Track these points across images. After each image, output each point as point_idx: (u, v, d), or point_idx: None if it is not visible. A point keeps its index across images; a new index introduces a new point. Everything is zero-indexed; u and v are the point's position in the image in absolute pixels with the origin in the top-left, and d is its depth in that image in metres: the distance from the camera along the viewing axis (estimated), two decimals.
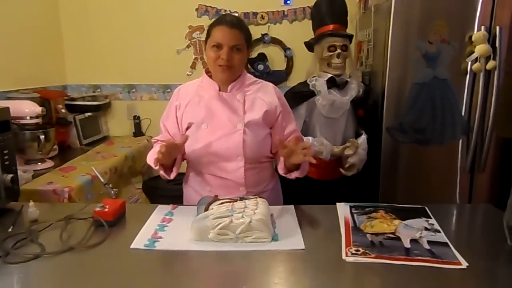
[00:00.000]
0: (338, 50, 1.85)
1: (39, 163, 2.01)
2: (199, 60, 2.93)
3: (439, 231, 1.15)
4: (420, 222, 1.20)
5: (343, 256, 1.00)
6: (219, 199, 1.20)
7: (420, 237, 1.10)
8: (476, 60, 1.92)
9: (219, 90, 1.43)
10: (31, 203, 1.22)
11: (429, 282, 0.91)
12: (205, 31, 1.44)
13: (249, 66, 2.80)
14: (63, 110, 2.42)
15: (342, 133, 1.95)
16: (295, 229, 1.17)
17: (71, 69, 2.97)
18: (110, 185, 1.44)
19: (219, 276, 0.96)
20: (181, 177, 1.51)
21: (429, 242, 1.08)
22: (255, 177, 1.44)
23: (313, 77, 1.92)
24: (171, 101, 1.50)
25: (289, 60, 2.89)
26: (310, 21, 2.06)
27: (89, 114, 2.69)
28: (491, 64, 1.89)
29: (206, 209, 1.14)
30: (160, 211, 1.30)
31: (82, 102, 2.72)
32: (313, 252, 1.04)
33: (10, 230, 1.14)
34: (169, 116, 1.49)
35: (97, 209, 1.18)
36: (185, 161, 1.49)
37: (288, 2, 2.84)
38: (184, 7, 2.86)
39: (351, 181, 1.93)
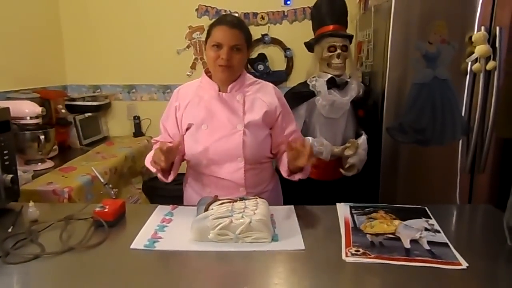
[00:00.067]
0: (338, 51, 1.85)
1: (39, 163, 2.01)
2: (199, 60, 2.93)
3: (439, 232, 1.15)
4: (420, 222, 1.20)
5: (343, 257, 1.00)
6: (219, 200, 1.20)
7: (420, 237, 1.10)
8: (476, 60, 1.92)
9: (219, 91, 1.42)
10: (31, 203, 1.22)
11: (429, 283, 0.91)
12: (205, 32, 1.44)
13: (249, 67, 2.80)
14: (63, 110, 2.43)
15: (342, 133, 1.95)
16: (295, 229, 1.17)
17: (71, 69, 2.97)
18: (110, 186, 1.44)
19: (219, 277, 0.96)
20: (181, 177, 1.51)
21: (429, 242, 1.08)
22: (255, 178, 1.44)
23: (313, 77, 1.92)
24: (170, 102, 1.50)
25: (289, 61, 2.89)
26: (310, 22, 2.06)
27: (89, 114, 2.69)
28: (491, 64, 1.89)
29: (206, 210, 1.14)
30: (160, 212, 1.30)
31: (82, 103, 2.72)
32: (313, 253, 1.04)
33: (10, 230, 1.14)
34: (168, 116, 1.48)
35: (97, 209, 1.18)
36: (185, 161, 1.49)
37: (288, 2, 2.84)
38: (184, 7, 2.86)
39: (351, 181, 1.93)
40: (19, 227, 1.18)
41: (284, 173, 1.41)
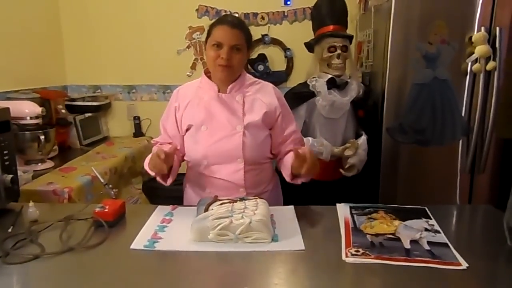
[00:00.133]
0: (338, 51, 1.86)
1: (39, 164, 2.01)
2: (199, 60, 2.93)
3: (439, 232, 1.15)
4: (420, 222, 1.20)
5: (343, 257, 1.00)
6: (219, 200, 1.20)
7: (420, 237, 1.10)
8: (476, 61, 1.92)
9: (218, 91, 1.42)
10: (31, 204, 1.22)
11: (429, 283, 0.91)
12: (205, 32, 1.43)
13: (249, 67, 2.80)
14: (63, 111, 2.43)
15: (342, 133, 1.95)
16: (295, 229, 1.17)
17: (71, 69, 2.97)
18: (110, 186, 1.44)
19: (219, 277, 0.96)
20: (181, 178, 1.51)
21: (429, 242, 1.08)
22: (255, 179, 1.44)
23: (313, 77, 1.92)
24: (170, 102, 1.49)
25: (289, 61, 2.89)
26: (310, 22, 2.06)
27: (89, 114, 2.69)
28: (491, 65, 1.89)
29: (206, 210, 1.14)
30: (160, 212, 1.30)
31: (82, 103, 2.72)
32: (313, 253, 1.04)
33: (10, 230, 1.14)
34: (168, 117, 1.48)
35: (97, 209, 1.18)
36: (184, 161, 1.49)
37: (288, 2, 2.84)
38: (184, 7, 2.86)
39: (351, 181, 1.93)
40: (19, 227, 1.17)
41: (287, 177, 1.41)
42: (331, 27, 1.88)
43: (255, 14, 2.86)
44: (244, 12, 2.85)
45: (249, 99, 1.42)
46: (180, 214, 1.28)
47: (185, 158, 1.47)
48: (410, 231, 1.14)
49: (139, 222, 1.20)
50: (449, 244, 1.07)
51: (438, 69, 1.94)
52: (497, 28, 1.89)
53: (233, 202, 1.18)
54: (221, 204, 1.16)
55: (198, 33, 2.90)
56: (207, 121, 1.40)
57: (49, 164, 2.04)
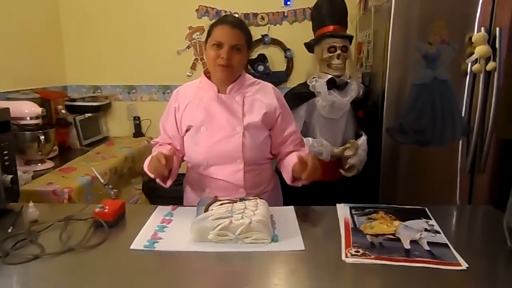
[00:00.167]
0: (338, 51, 1.86)
1: (39, 164, 2.01)
2: (199, 61, 2.93)
3: (439, 232, 1.14)
4: (420, 223, 1.20)
5: (343, 257, 1.00)
6: (219, 200, 1.20)
7: (420, 238, 1.10)
8: (476, 61, 1.92)
9: (218, 92, 1.42)
10: (31, 204, 1.22)
11: (429, 283, 0.91)
12: (205, 32, 1.43)
13: (249, 67, 2.80)
14: (63, 111, 2.43)
15: (342, 134, 1.95)
16: (295, 230, 1.17)
17: (71, 69, 2.97)
18: (110, 186, 1.44)
19: (219, 277, 0.96)
20: (181, 178, 1.51)
21: (429, 243, 1.08)
22: (255, 179, 1.44)
23: (313, 78, 1.92)
24: (170, 103, 1.49)
25: (289, 61, 2.89)
26: (310, 22, 2.06)
27: (89, 114, 2.69)
28: (491, 65, 1.89)
29: (206, 210, 1.14)
30: (160, 212, 1.30)
31: (82, 103, 2.72)
32: (313, 253, 1.04)
33: (9, 230, 1.14)
34: (168, 117, 1.48)
35: (97, 209, 1.18)
36: (184, 161, 1.49)
37: (288, 3, 2.84)
38: (184, 8, 2.86)
39: (351, 182, 1.93)
40: (19, 227, 1.17)
41: (288, 180, 1.41)
42: (331, 28, 1.88)
43: (255, 15, 2.86)
44: (244, 12, 2.85)
45: (248, 100, 1.42)
46: (180, 214, 1.28)
47: (185, 158, 1.47)
48: (410, 231, 1.14)
49: (139, 223, 1.20)
50: (449, 245, 1.07)
51: (438, 69, 1.94)
52: (497, 29, 1.89)
53: (233, 203, 1.18)
54: (221, 204, 1.16)
55: (198, 33, 2.90)
56: (207, 122, 1.39)
57: (49, 164, 2.04)
